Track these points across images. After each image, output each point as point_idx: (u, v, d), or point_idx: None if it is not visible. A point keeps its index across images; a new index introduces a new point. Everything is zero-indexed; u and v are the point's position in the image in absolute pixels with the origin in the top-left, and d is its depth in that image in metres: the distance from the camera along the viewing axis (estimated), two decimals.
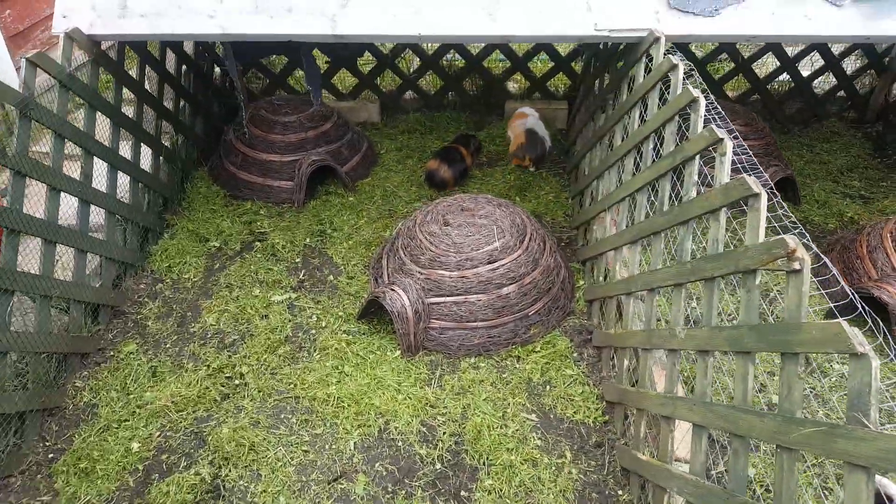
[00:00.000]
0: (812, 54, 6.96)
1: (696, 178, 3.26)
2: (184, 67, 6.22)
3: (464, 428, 3.83)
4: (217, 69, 7.06)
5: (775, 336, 2.29)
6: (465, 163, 6.12)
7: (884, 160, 6.58)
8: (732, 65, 7.07)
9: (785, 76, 7.02)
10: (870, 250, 4.67)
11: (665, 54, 3.96)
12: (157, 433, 3.81)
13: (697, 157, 3.26)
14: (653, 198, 3.88)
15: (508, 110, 7.17)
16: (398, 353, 4.32)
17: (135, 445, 3.72)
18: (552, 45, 6.90)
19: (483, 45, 6.94)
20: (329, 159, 5.93)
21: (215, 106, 6.93)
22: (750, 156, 3.64)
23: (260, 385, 4.08)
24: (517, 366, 4.27)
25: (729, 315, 4.37)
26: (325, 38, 4.53)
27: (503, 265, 4.39)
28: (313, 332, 4.51)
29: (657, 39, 4.12)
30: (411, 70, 7.35)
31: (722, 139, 2.97)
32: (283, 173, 5.92)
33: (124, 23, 4.56)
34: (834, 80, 7.13)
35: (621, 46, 4.86)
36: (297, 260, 5.19)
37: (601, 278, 4.59)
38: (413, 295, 4.33)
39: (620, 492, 3.53)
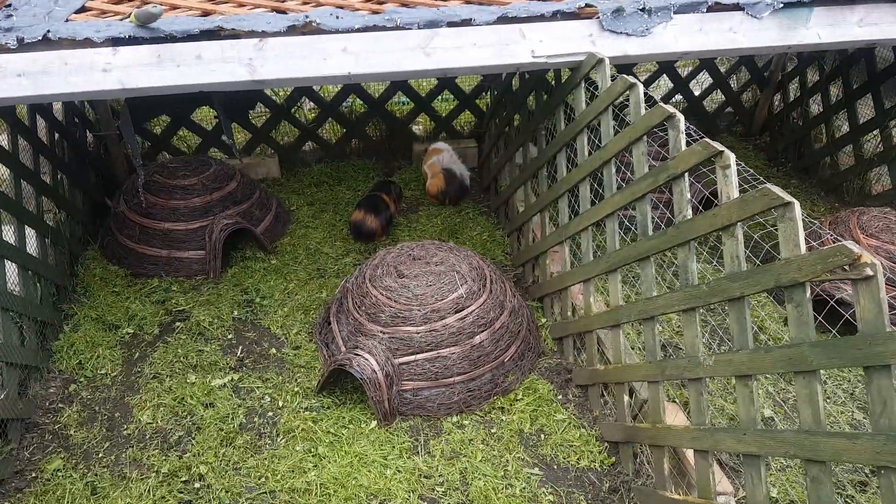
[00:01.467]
0: (700, 74, 7.37)
1: (688, 196, 3.23)
2: (56, 135, 5.55)
3: (468, 496, 3.57)
4: (90, 135, 6.39)
5: (854, 350, 2.24)
6: (390, 210, 5.91)
7: (779, 168, 7.06)
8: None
9: (678, 97, 7.37)
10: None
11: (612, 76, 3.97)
12: None
13: (686, 174, 3.22)
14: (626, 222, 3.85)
15: (416, 153, 7.03)
16: (374, 423, 3.98)
17: None
18: (456, 84, 6.85)
19: (385, 87, 6.79)
20: (242, 221, 5.48)
21: (91, 177, 6.25)
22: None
23: (225, 484, 3.60)
24: (504, 418, 4.05)
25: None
26: (243, 86, 4.18)
27: (471, 312, 4.18)
28: (270, 414, 4.06)
29: (600, 61, 4.12)
30: (309, 119, 7.02)
31: (722, 151, 2.95)
32: (190, 243, 5.41)
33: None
34: (722, 96, 7.57)
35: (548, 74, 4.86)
36: (230, 336, 4.70)
37: (569, 314, 4.48)
38: (381, 357, 4.00)
39: None
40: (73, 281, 5.19)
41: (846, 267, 2.29)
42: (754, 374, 2.75)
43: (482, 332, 4.19)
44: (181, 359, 4.46)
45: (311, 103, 6.96)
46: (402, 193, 6.35)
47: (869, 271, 2.20)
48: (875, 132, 6.04)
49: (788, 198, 2.56)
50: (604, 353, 4.17)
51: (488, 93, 6.91)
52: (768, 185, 2.64)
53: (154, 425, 4.00)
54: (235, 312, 4.93)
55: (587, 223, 4.19)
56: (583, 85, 4.38)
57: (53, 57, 3.97)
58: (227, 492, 3.57)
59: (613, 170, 3.98)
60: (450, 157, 6.44)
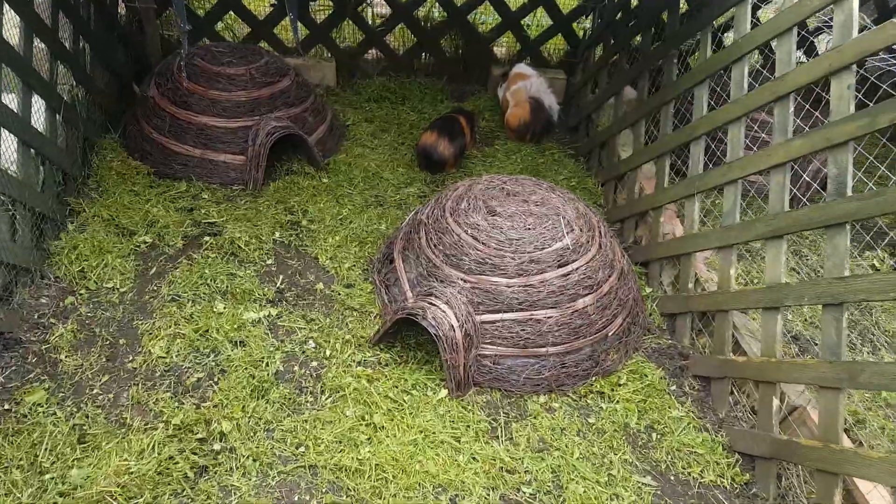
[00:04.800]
0: None
1: None
2: None
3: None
4: (122, 6, 5.54)
5: None
6: (465, 139, 5.03)
7: None
8: None
9: None
10: None
11: None
12: None
13: None
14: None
15: (494, 78, 6.13)
16: (443, 392, 3.19)
17: None
18: (554, 1, 5.91)
19: None
20: (293, 126, 4.64)
21: (120, 55, 5.42)
22: None
23: (253, 450, 2.83)
24: (604, 405, 3.26)
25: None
26: None
27: (577, 269, 3.36)
28: (314, 364, 3.29)
29: None
30: (377, 21, 6.11)
31: None
32: (229, 144, 4.59)
33: None
34: None
35: None
36: (269, 262, 3.91)
37: (689, 285, 3.66)
38: (461, 311, 3.21)
39: None
40: (85, 171, 4.37)
41: None
42: None
43: (587, 295, 3.38)
44: (208, 281, 3.68)
45: (383, 2, 6.02)
46: (478, 125, 5.47)
47: None
48: None
49: None
50: (739, 341, 3.37)
51: (589, 16, 5.98)
52: None
53: (167, 360, 3.23)
54: (277, 234, 4.13)
55: (739, 174, 3.34)
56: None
57: None
58: (254, 460, 2.80)
59: (791, 108, 3.11)
60: (538, 85, 5.53)
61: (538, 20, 6.38)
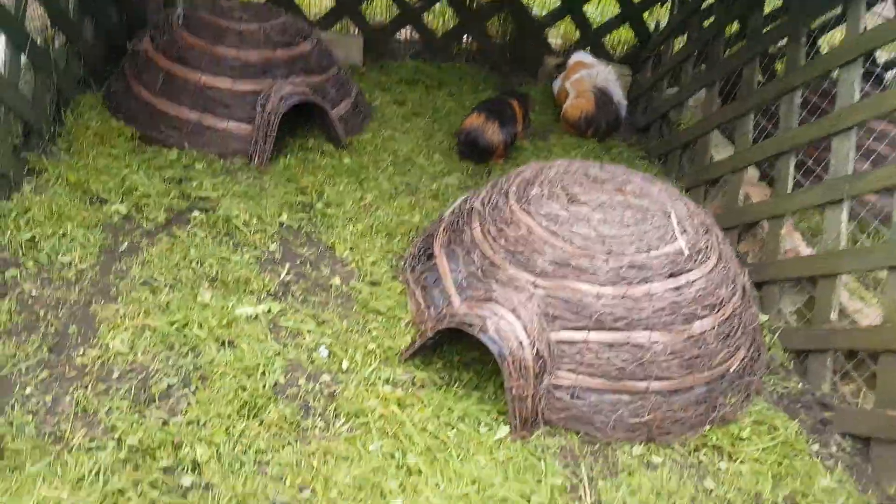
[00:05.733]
0: None
1: None
2: None
3: None
4: None
5: None
6: (517, 126, 4.31)
7: None
8: None
9: None
10: None
11: None
12: None
13: None
14: None
15: (548, 68, 5.45)
16: (503, 430, 2.39)
17: None
18: None
19: None
20: (312, 95, 3.92)
21: (113, 12, 4.71)
22: None
23: (237, 489, 2.06)
24: (723, 465, 2.48)
25: None
26: None
27: (693, 282, 2.59)
28: (326, 378, 2.52)
29: None
30: None
31: None
32: (234, 109, 3.89)
33: None
34: None
35: None
36: (273, 247, 3.17)
37: (831, 317, 2.88)
38: (532, 324, 2.43)
39: None
40: (56, 128, 3.65)
41: None
42: None
43: (706, 316, 2.59)
44: (193, 264, 2.91)
45: None
46: (532, 110, 4.75)
47: None
48: None
49: None
50: None
51: (666, 4, 5.31)
52: None
53: (130, 358, 2.44)
54: (285, 216, 3.37)
55: None
56: None
57: None
58: (238, 503, 2.02)
59: None
60: (606, 75, 4.85)
61: (601, 9, 5.71)
